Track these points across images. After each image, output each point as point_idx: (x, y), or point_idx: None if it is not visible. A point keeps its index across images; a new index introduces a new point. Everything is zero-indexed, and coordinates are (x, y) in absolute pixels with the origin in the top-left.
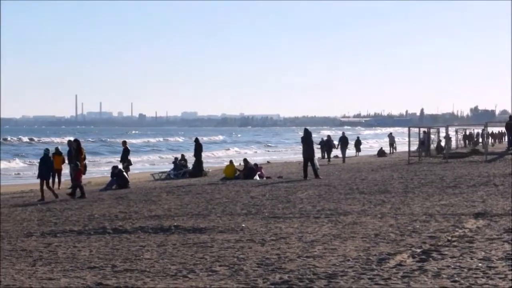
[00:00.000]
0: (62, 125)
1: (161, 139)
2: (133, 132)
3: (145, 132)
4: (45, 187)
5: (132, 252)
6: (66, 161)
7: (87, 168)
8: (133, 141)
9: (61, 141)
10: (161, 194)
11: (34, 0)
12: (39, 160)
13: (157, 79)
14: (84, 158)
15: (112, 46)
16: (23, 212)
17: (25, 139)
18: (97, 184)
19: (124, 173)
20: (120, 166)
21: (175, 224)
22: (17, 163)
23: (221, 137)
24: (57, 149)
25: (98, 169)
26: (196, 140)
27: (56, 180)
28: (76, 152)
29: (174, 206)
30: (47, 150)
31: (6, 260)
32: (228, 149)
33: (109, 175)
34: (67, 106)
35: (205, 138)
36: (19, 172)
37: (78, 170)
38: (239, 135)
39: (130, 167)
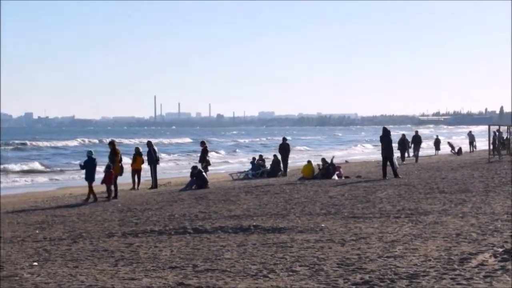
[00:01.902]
0: (144, 126)
1: (246, 140)
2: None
3: (228, 133)
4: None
5: (213, 252)
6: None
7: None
8: (215, 139)
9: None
10: (240, 194)
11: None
12: (83, 163)
13: (234, 80)
14: (120, 160)
15: (190, 47)
16: (104, 213)
17: (103, 140)
18: (177, 184)
19: (203, 173)
20: (199, 166)
21: (255, 224)
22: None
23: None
24: (137, 149)
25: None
26: (284, 139)
27: (136, 180)
28: (111, 154)
29: (253, 206)
30: (90, 152)
31: (88, 261)
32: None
33: (189, 175)
34: (147, 107)
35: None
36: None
37: (109, 172)
38: (339, 134)
39: (209, 167)
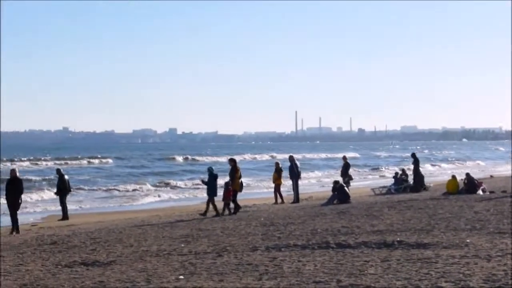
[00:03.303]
0: (281, 141)
1: (383, 153)
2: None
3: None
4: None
5: (356, 267)
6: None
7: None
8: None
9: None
10: (382, 209)
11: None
12: (206, 179)
13: (376, 93)
14: (240, 177)
15: (330, 62)
16: (247, 227)
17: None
18: (318, 198)
19: (345, 188)
20: (341, 181)
21: (398, 239)
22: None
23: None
24: (277, 164)
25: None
26: (413, 155)
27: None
28: (232, 171)
29: (396, 221)
30: (211, 168)
31: (233, 274)
32: None
33: (330, 189)
34: (288, 121)
35: None
36: None
37: (228, 188)
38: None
39: (351, 181)
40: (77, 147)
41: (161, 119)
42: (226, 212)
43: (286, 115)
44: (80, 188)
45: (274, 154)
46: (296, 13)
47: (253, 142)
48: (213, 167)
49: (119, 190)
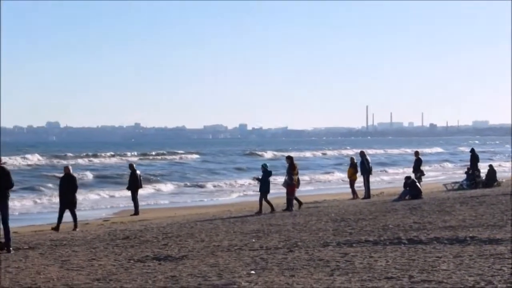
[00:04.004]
0: (352, 136)
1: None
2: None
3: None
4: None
5: (428, 263)
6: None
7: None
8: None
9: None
10: (454, 205)
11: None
12: (260, 177)
13: (448, 87)
14: (297, 173)
15: (400, 56)
16: (318, 222)
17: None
18: (389, 194)
19: (417, 183)
20: (413, 176)
21: (471, 235)
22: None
23: None
24: (352, 159)
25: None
26: (472, 151)
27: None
28: (289, 167)
29: (468, 216)
30: (265, 165)
31: (304, 270)
32: None
33: (402, 185)
34: (358, 117)
35: None
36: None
37: (292, 184)
38: None
39: (423, 177)
40: (150, 143)
41: (231, 115)
42: (295, 207)
43: (356, 110)
44: (168, 183)
45: (349, 150)
46: (367, 8)
47: (324, 138)
48: (267, 164)
49: (202, 187)
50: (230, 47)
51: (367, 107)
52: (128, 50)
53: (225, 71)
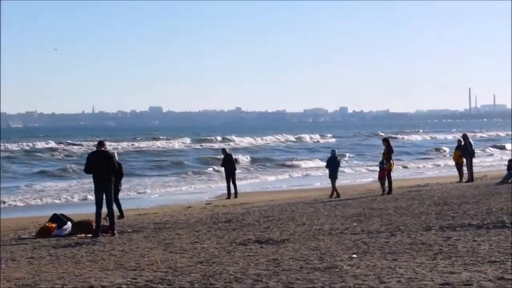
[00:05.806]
0: (456, 119)
1: None
2: None
3: None
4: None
5: None
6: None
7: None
8: None
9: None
10: None
11: None
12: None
13: None
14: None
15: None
16: (420, 206)
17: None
18: (493, 177)
19: None
20: None
21: None
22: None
23: None
24: (459, 141)
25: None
26: None
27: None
28: (387, 151)
29: None
30: (333, 151)
31: (407, 253)
32: None
33: (505, 168)
34: (461, 99)
35: None
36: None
37: (384, 168)
38: None
39: None
40: (250, 126)
41: (331, 98)
42: (385, 192)
43: (459, 92)
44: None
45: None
46: None
47: (429, 120)
48: (336, 150)
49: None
50: (330, 31)
51: (469, 89)
52: (231, 37)
53: (326, 54)
